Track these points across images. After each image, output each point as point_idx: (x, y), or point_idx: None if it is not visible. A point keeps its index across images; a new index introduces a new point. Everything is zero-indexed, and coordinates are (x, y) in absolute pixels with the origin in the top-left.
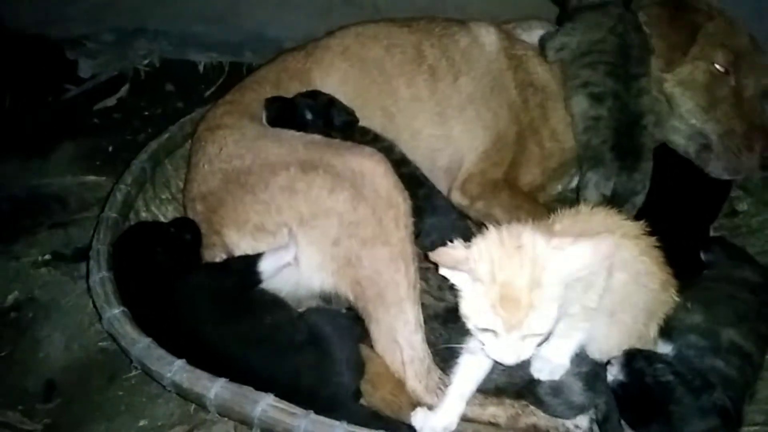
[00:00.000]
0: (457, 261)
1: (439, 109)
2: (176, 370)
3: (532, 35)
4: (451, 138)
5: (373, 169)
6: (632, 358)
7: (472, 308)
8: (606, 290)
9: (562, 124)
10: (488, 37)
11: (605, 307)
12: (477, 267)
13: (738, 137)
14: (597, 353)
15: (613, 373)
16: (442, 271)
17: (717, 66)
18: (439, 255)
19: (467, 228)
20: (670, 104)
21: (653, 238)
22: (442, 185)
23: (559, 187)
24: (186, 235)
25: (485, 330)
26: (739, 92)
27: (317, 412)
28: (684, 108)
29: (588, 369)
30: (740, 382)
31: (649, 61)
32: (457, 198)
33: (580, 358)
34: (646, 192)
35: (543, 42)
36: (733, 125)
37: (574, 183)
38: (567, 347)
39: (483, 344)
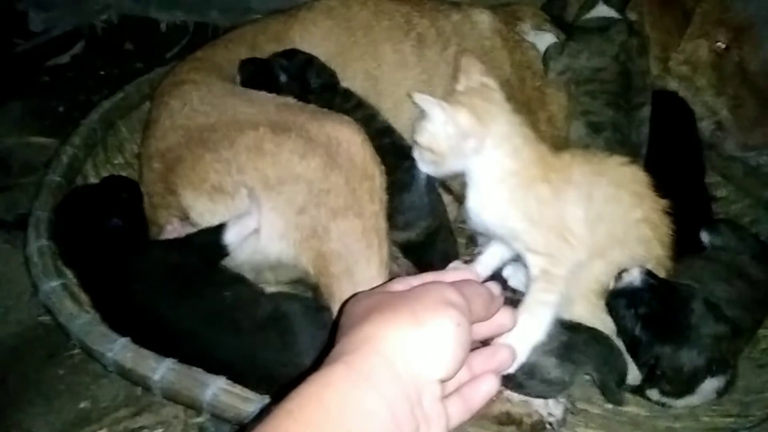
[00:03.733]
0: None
1: (425, 77)
2: (119, 349)
3: (539, 39)
4: None
5: (350, 137)
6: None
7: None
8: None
9: (561, 112)
10: (481, 16)
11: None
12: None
13: (750, 111)
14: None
15: (633, 275)
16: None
17: (719, 44)
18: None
19: (445, 212)
20: (686, 83)
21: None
22: None
23: None
24: (122, 194)
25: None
26: (744, 67)
27: (274, 397)
28: (698, 84)
29: (557, 343)
30: None
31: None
32: None
33: (549, 335)
34: None
35: (547, 57)
36: (745, 99)
37: None
38: (532, 332)
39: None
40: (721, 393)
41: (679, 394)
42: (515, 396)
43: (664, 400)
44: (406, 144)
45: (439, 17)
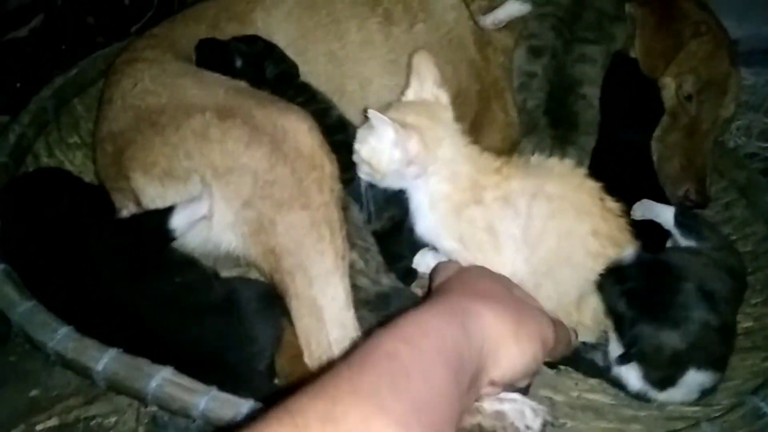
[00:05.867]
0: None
1: (392, 57)
2: (60, 338)
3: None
4: None
5: (297, 125)
6: None
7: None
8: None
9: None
10: None
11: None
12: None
13: (673, 169)
14: None
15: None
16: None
17: (684, 90)
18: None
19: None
20: None
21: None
22: None
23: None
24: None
25: None
26: (695, 124)
27: (223, 385)
28: None
29: None
30: None
31: (612, 33)
32: None
33: None
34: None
35: None
36: (676, 155)
37: None
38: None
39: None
40: (706, 392)
41: (661, 382)
42: (487, 407)
43: (647, 388)
44: None
45: None
